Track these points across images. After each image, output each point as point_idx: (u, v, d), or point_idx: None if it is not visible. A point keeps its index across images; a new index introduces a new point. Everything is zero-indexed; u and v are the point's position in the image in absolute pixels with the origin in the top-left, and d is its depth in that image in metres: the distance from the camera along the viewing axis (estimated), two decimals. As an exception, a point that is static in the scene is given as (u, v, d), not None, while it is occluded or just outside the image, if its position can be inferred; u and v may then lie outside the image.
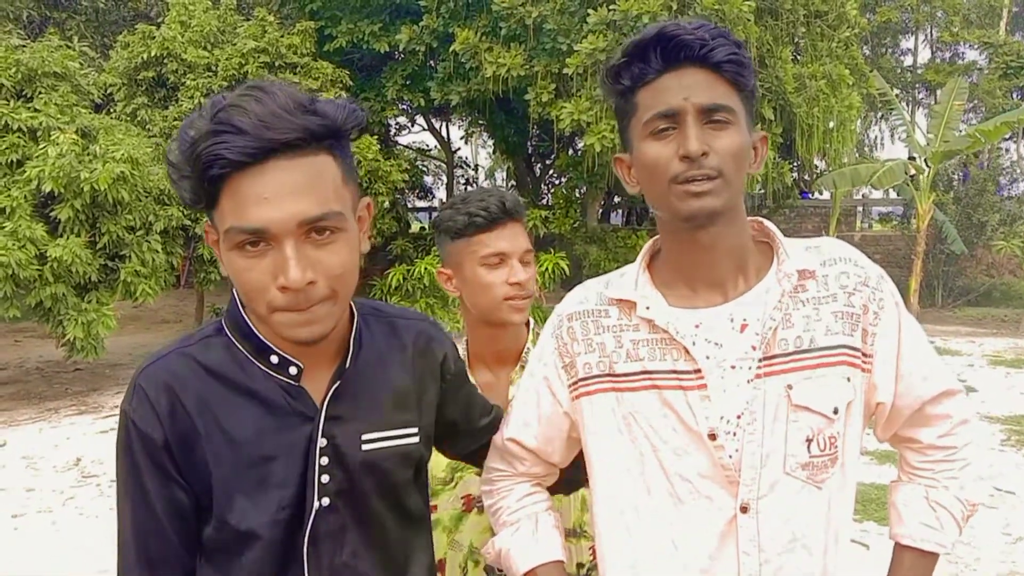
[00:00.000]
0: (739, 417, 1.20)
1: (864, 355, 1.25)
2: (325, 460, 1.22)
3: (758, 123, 11.09)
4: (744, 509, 1.21)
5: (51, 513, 5.23)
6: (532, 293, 1.78)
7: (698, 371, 1.22)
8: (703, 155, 1.17)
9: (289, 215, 1.06)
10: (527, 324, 1.89)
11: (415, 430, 1.31)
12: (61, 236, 7.67)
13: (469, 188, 20.25)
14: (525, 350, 1.83)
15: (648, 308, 1.27)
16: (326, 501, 1.22)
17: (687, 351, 1.23)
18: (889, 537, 1.39)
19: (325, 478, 1.22)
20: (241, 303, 1.22)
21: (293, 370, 1.21)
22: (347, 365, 1.25)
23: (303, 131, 1.06)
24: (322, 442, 1.21)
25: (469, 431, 1.51)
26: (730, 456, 1.21)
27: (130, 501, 1.21)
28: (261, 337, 1.20)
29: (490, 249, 1.75)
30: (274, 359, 1.21)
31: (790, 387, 1.20)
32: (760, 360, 1.21)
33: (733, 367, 1.22)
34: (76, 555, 4.50)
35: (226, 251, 1.10)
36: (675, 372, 1.24)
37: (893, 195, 17.75)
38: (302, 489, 1.21)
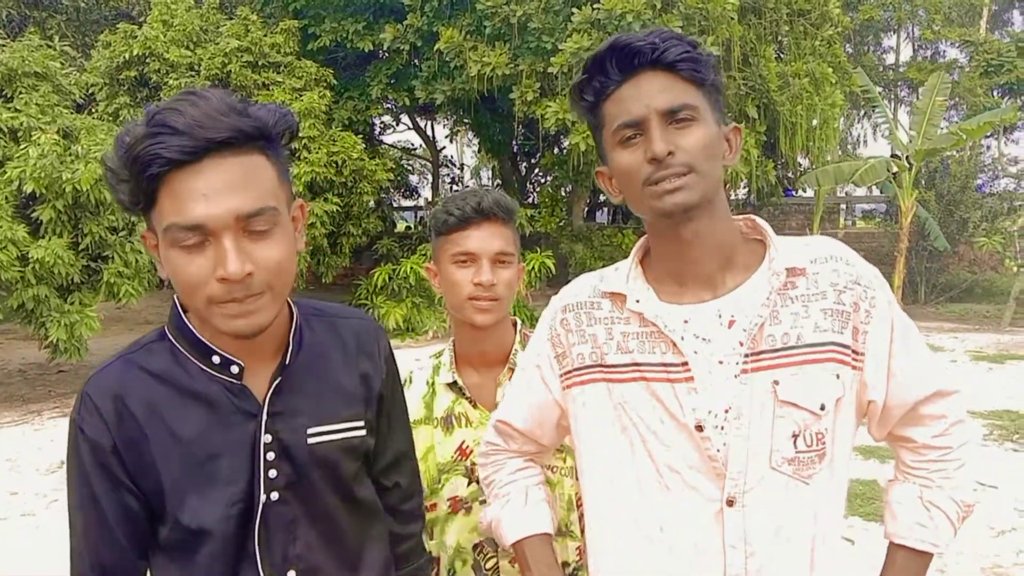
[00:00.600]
0: (726, 411, 1.22)
1: (855, 353, 1.26)
2: (271, 455, 1.25)
3: (742, 121, 11.19)
4: (730, 503, 1.23)
5: (34, 516, 5.19)
6: (500, 296, 1.78)
7: (685, 364, 1.24)
8: (670, 155, 1.20)
9: (226, 210, 1.10)
10: (514, 326, 1.90)
11: (361, 423, 1.35)
12: (43, 237, 7.60)
13: (455, 187, 20.26)
14: (513, 352, 1.83)
15: (638, 301, 1.29)
16: (275, 495, 1.26)
17: (675, 344, 1.25)
18: (883, 536, 1.39)
19: (272, 473, 1.25)
20: (182, 309, 1.26)
21: (235, 369, 1.25)
22: (287, 361, 1.28)
23: (236, 131, 1.11)
24: (266, 438, 1.25)
25: (387, 439, 1.46)
26: (718, 450, 1.22)
27: (81, 510, 1.25)
28: (202, 339, 1.24)
29: (459, 248, 1.78)
30: (216, 359, 1.24)
31: (776, 383, 1.22)
32: (747, 356, 1.23)
33: (721, 362, 1.23)
34: (60, 558, 4.46)
35: (165, 249, 1.14)
36: (663, 365, 1.25)
37: (875, 192, 17.89)
38: (251, 485, 1.24)
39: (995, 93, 20.96)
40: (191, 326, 1.25)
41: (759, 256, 1.31)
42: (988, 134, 17.26)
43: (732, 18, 10.18)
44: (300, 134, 10.24)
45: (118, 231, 8.31)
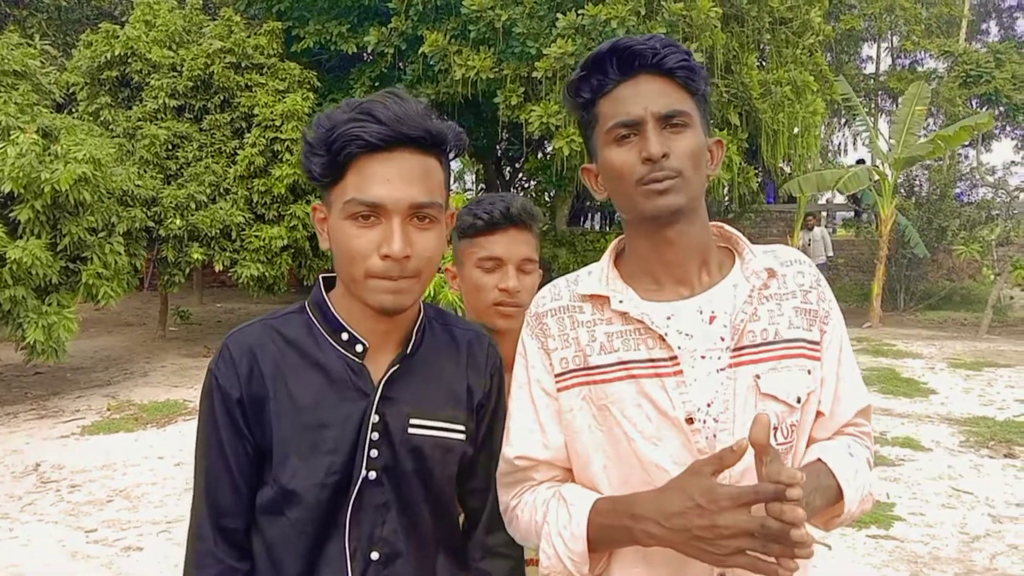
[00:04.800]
0: (709, 405, 1.25)
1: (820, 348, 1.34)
2: (376, 435, 1.33)
3: (724, 128, 11.24)
4: None
5: (8, 519, 5.12)
6: (524, 303, 1.77)
7: (674, 358, 1.26)
8: (664, 156, 1.25)
9: (404, 196, 1.25)
10: None
11: (461, 428, 1.41)
12: (21, 238, 7.51)
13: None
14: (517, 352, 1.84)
15: (621, 302, 1.31)
16: (372, 475, 1.33)
17: (662, 339, 1.27)
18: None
19: (374, 453, 1.33)
20: (324, 289, 1.40)
21: (359, 348, 1.36)
22: (407, 351, 1.38)
23: (427, 132, 1.27)
24: (374, 418, 1.33)
25: (489, 447, 1.47)
26: (705, 441, 1.25)
27: (207, 453, 1.36)
28: (337, 316, 1.37)
29: (486, 252, 1.79)
30: (344, 336, 1.36)
31: (758, 377, 1.26)
32: (731, 351, 1.27)
33: (703, 357, 1.27)
34: (34, 562, 4.42)
35: (339, 220, 1.28)
36: (651, 360, 1.27)
37: (841, 200, 18.00)
38: (351, 459, 1.32)
39: (973, 103, 21.19)
40: (329, 302, 1.38)
41: (730, 260, 1.37)
42: (966, 143, 17.44)
43: (715, 26, 10.23)
44: (282, 136, 10.34)
45: (97, 232, 8.23)
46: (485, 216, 1.77)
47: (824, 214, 19.57)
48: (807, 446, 1.35)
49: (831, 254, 16.13)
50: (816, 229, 16.25)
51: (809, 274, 1.36)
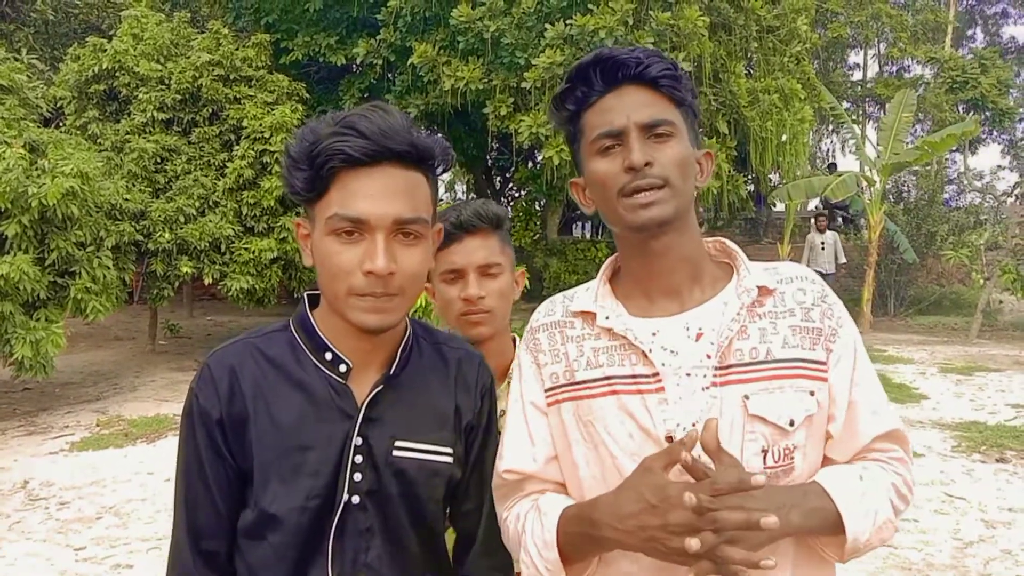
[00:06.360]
0: (694, 425, 1.22)
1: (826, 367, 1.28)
2: (359, 458, 1.30)
3: (713, 136, 11.27)
4: None
5: (-3, 538, 5.07)
6: (492, 307, 1.78)
7: (656, 375, 1.24)
8: (647, 165, 1.23)
9: (389, 212, 1.22)
10: (513, 341, 1.90)
11: (449, 450, 1.37)
12: (8, 253, 7.46)
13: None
14: (513, 367, 1.82)
15: (607, 318, 1.31)
16: (356, 499, 1.30)
17: (645, 355, 1.26)
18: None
19: (357, 476, 1.29)
20: (309, 307, 1.36)
21: (343, 368, 1.32)
22: (392, 371, 1.34)
23: (411, 147, 1.24)
24: (358, 440, 1.30)
25: (482, 468, 1.45)
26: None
27: (186, 473, 1.33)
28: (321, 335, 1.33)
29: (445, 266, 1.80)
30: (328, 355, 1.32)
31: (747, 397, 1.22)
32: (716, 369, 1.23)
33: (688, 374, 1.24)
34: (23, 582, 4.37)
35: (323, 236, 1.25)
36: (634, 376, 1.26)
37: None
38: (334, 482, 1.29)
39: (960, 109, 21.35)
40: (313, 321, 1.35)
41: (727, 275, 1.34)
42: (954, 149, 17.55)
43: (703, 35, 10.27)
44: (272, 148, 10.31)
45: (86, 246, 8.18)
46: None
47: (813, 220, 19.61)
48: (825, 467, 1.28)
49: (843, 261, 14.48)
50: (829, 233, 14.51)
51: (812, 291, 1.30)
